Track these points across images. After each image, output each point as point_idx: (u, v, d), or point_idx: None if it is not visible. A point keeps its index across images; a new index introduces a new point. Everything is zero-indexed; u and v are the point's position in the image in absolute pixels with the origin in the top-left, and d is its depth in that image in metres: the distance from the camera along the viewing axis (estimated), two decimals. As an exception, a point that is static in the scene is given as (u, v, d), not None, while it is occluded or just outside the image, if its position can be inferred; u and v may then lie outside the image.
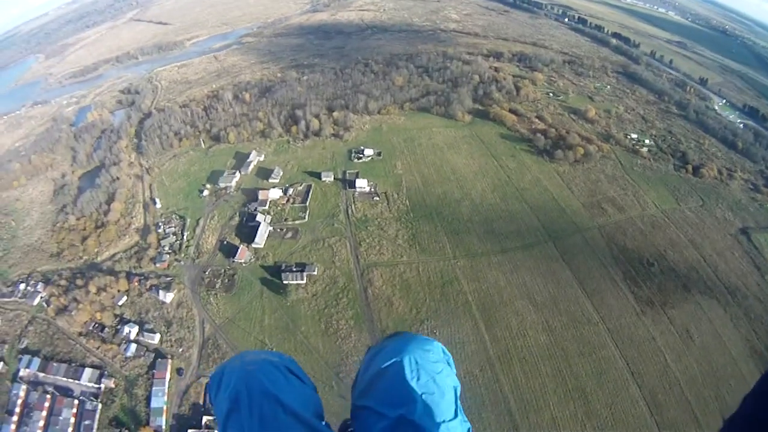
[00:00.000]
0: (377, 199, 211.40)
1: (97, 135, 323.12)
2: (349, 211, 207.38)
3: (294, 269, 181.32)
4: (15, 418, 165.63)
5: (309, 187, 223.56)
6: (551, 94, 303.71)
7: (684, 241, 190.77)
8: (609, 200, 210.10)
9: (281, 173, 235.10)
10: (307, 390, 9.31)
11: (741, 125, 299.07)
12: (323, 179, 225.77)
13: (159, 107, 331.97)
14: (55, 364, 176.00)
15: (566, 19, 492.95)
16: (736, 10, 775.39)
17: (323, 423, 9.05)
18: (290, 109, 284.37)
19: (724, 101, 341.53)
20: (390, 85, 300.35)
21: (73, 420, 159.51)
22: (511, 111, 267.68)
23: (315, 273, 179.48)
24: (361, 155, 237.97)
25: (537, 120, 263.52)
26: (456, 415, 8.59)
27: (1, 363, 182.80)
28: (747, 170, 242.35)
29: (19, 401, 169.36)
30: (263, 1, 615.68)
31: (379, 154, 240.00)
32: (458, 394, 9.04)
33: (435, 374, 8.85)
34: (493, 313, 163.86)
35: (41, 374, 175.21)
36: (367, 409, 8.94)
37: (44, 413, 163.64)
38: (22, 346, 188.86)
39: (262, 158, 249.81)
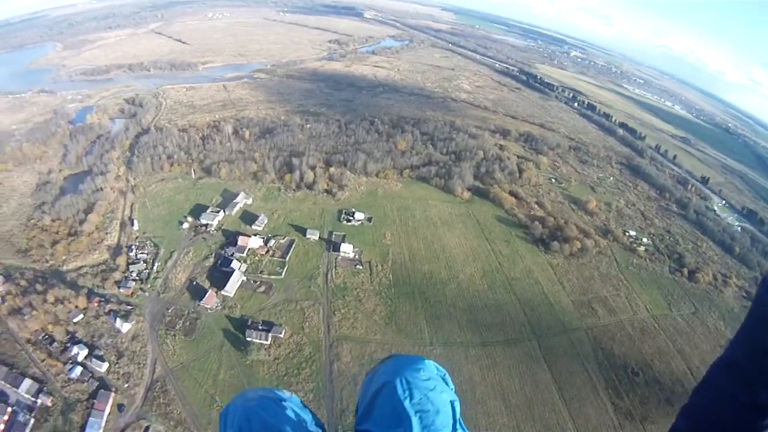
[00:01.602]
0: (360, 267, 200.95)
1: (92, 139, 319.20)
2: (329, 276, 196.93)
3: (260, 327, 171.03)
4: None
5: (292, 242, 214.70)
6: (554, 180, 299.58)
7: (672, 350, 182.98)
8: (600, 300, 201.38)
9: (266, 221, 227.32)
10: (309, 425, 9.11)
11: (739, 228, 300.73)
12: (308, 236, 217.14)
13: (158, 125, 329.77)
14: None
15: (576, 104, 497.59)
16: (740, 108, 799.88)
17: None
18: (287, 155, 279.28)
19: (724, 202, 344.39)
20: (392, 149, 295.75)
21: (1, 427, 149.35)
22: (511, 193, 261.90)
23: (281, 335, 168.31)
24: (351, 218, 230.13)
25: (536, 206, 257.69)
26: (455, 429, 8.70)
27: None
28: (742, 277, 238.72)
29: None
30: (283, 39, 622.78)
31: (369, 219, 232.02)
32: (456, 408, 9.04)
33: (428, 391, 8.83)
34: (462, 411, 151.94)
35: None
36: None
37: None
38: None
39: (249, 201, 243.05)
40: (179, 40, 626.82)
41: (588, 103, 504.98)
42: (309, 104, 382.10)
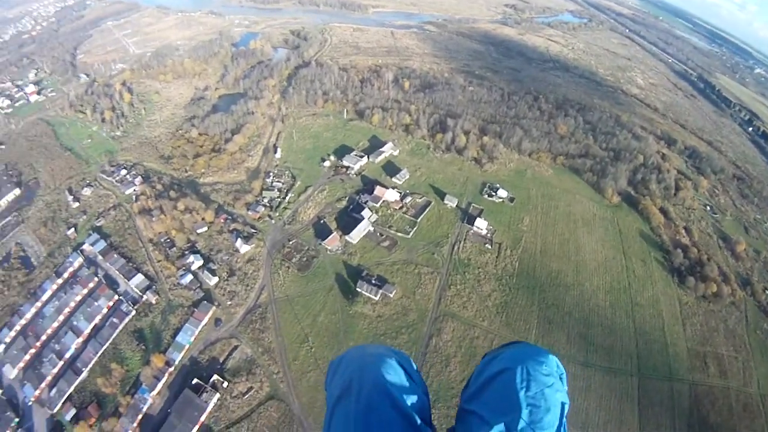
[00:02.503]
0: (489, 247, 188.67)
1: (252, 64, 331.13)
2: (456, 248, 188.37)
3: (373, 281, 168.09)
4: (60, 281, 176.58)
5: (428, 203, 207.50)
6: (708, 208, 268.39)
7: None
8: (716, 357, 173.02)
9: (407, 176, 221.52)
10: (417, 390, 9.05)
11: None
12: (445, 202, 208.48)
13: (320, 61, 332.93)
14: (116, 255, 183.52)
15: (750, 128, 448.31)
16: None
17: (428, 426, 8.94)
18: (443, 114, 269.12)
19: None
20: (551, 131, 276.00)
21: (104, 311, 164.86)
22: (661, 210, 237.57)
23: (391, 295, 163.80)
24: (494, 193, 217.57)
25: (683, 231, 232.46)
26: (559, 431, 8.26)
27: (73, 230, 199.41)
28: None
29: (71, 269, 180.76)
30: None
31: (512, 199, 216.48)
32: (566, 411, 8.56)
33: (545, 387, 8.51)
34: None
35: (100, 257, 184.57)
36: (473, 414, 8.76)
37: (85, 291, 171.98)
38: (98, 224, 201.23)
39: (395, 153, 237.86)
40: None
41: (764, 130, 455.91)
42: (475, 66, 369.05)
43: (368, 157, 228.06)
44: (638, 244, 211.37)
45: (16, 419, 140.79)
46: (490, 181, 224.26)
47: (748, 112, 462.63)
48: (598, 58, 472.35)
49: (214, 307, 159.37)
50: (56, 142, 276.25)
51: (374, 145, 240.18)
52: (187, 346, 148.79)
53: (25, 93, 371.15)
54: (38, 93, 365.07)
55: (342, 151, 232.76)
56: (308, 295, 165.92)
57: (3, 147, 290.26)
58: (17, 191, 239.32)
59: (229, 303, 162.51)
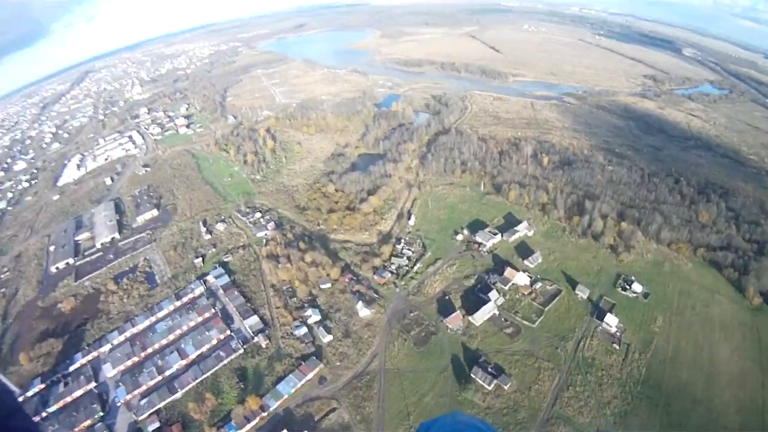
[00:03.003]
0: (617, 347, 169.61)
1: (393, 126, 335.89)
2: (581, 344, 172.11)
3: (489, 369, 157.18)
4: (178, 303, 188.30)
5: (558, 292, 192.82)
6: None
7: None
8: None
9: (539, 260, 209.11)
10: None
11: None
12: (576, 292, 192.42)
13: (459, 129, 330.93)
14: (236, 292, 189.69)
15: None
16: None
17: None
18: (581, 195, 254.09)
19: None
20: (692, 218, 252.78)
21: (214, 342, 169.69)
22: None
23: (506, 387, 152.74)
24: (628, 287, 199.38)
25: None
26: None
27: (201, 259, 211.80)
28: None
29: (191, 295, 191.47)
30: (597, 65, 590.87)
31: (646, 295, 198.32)
32: None
33: None
34: None
35: (221, 291, 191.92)
36: None
37: (199, 319, 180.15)
38: (225, 259, 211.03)
39: (530, 234, 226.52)
40: (492, 48, 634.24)
41: None
42: (615, 143, 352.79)
43: (502, 235, 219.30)
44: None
45: (101, 413, 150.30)
46: (625, 273, 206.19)
47: None
48: (741, 135, 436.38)
49: (321, 365, 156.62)
50: (198, 174, 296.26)
51: (509, 223, 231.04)
52: (285, 396, 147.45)
53: (175, 124, 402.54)
54: (187, 126, 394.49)
55: (476, 226, 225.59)
56: (419, 372, 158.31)
57: (149, 169, 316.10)
58: (155, 212, 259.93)
59: (338, 363, 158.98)
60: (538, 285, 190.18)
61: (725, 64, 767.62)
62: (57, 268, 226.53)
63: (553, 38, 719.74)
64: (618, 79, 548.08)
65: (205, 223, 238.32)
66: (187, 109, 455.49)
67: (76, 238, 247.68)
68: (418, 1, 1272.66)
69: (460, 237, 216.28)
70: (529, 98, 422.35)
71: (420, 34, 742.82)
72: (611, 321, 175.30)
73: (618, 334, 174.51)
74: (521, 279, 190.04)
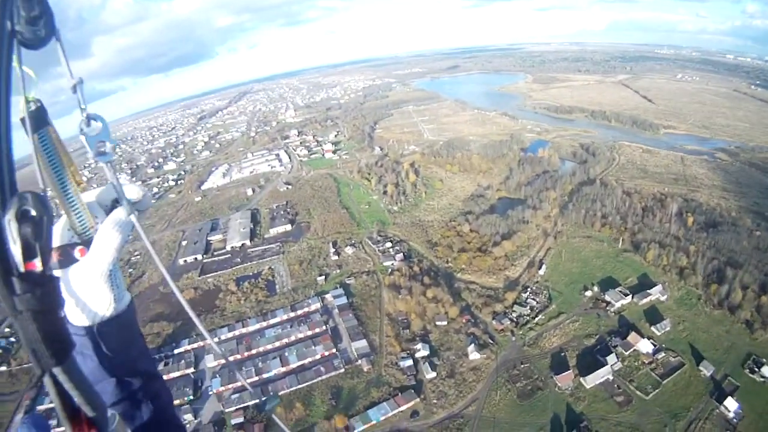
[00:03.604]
0: None
1: (538, 172, 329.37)
2: (693, 427, 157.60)
3: None
4: (292, 314, 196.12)
5: (681, 365, 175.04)
6: None
7: None
8: None
9: (668, 328, 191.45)
10: None
11: None
12: (700, 368, 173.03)
13: (604, 180, 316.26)
14: (351, 314, 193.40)
15: None
16: None
17: None
18: (723, 262, 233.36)
19: None
20: None
21: (317, 357, 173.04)
22: None
23: None
24: (757, 369, 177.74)
25: None
26: None
27: (324, 278, 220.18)
28: None
29: (306, 309, 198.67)
30: (752, 117, 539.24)
31: None
32: None
33: None
34: None
35: (336, 310, 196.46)
36: None
37: (309, 333, 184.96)
38: (347, 282, 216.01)
39: (663, 299, 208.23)
40: (645, 97, 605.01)
41: None
42: (765, 205, 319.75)
43: (633, 297, 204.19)
44: None
45: (192, 397, 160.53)
46: (757, 354, 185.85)
47: None
48: None
49: (417, 399, 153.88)
50: (337, 198, 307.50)
51: (642, 284, 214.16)
52: (373, 422, 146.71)
53: (322, 149, 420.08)
54: (334, 152, 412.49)
55: (607, 284, 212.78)
56: (516, 426, 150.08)
57: (290, 187, 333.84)
58: (288, 227, 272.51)
59: (435, 401, 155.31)
60: (661, 355, 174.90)
61: None
62: (185, 260, 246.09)
63: (707, 88, 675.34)
64: None
65: (335, 244, 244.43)
66: (335, 136, 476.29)
67: (209, 238, 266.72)
68: (571, 48, 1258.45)
69: (588, 293, 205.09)
70: (680, 152, 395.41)
71: (571, 81, 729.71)
72: (730, 405, 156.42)
73: (735, 420, 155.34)
74: (644, 346, 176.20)
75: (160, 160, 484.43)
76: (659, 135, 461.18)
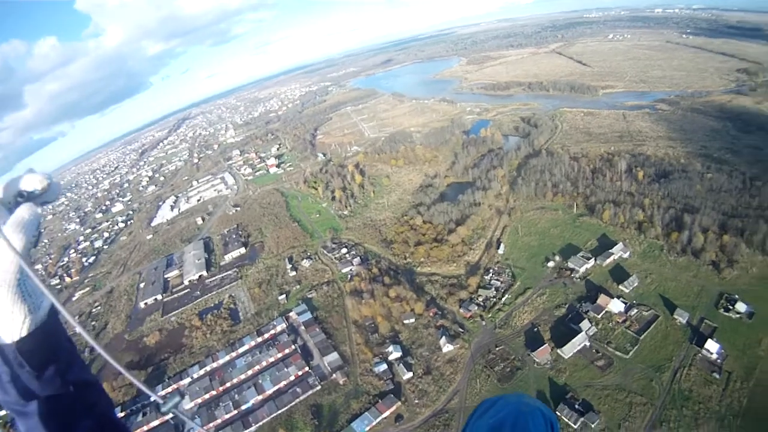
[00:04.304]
0: (717, 376, 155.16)
1: (483, 152, 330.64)
2: (678, 375, 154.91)
3: (576, 406, 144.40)
4: (259, 339, 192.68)
5: (655, 318, 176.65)
6: None
7: None
8: None
9: (636, 284, 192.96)
10: None
11: None
12: (675, 316, 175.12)
13: (550, 149, 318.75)
14: (318, 329, 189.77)
15: None
16: None
17: None
18: (680, 209, 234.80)
19: None
20: None
21: (292, 379, 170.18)
22: None
23: (593, 425, 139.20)
24: (731, 307, 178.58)
25: None
26: None
27: (285, 296, 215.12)
28: None
29: (272, 331, 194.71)
30: (687, 66, 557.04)
31: (750, 315, 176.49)
32: None
33: None
34: None
35: (302, 327, 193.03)
36: None
37: (279, 355, 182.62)
38: (309, 296, 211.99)
39: (625, 256, 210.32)
40: (579, 62, 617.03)
41: None
42: (712, 147, 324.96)
43: (595, 260, 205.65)
44: None
45: None
46: (728, 292, 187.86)
47: None
48: None
49: (399, 403, 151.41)
50: (286, 212, 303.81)
51: (603, 245, 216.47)
52: None
53: (266, 164, 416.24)
54: (277, 166, 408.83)
55: (568, 251, 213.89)
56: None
57: (239, 209, 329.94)
58: (243, 250, 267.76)
59: (416, 401, 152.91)
60: (634, 311, 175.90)
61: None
62: (146, 303, 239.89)
63: (640, 44, 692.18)
64: (710, 77, 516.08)
65: (291, 260, 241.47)
66: (278, 149, 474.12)
67: (166, 276, 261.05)
68: (502, 25, 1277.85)
69: (551, 264, 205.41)
70: (621, 109, 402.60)
71: (505, 57, 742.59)
72: (712, 347, 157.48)
73: (719, 361, 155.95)
74: (615, 306, 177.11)
75: (107, 203, 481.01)
76: (598, 96, 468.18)
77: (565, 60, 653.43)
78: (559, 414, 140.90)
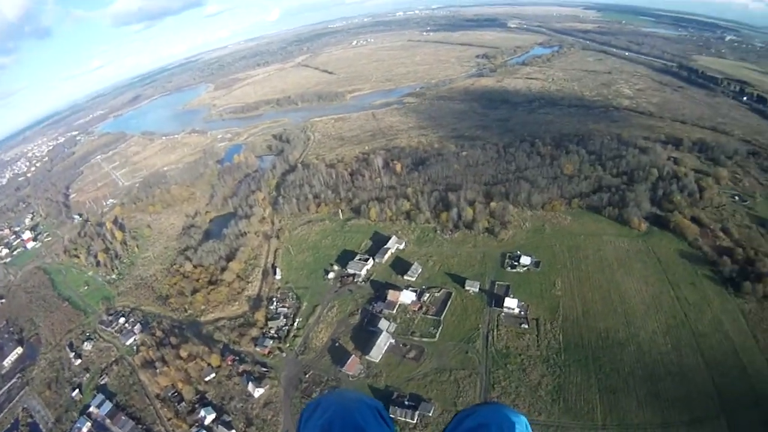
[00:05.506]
0: (526, 326, 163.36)
1: (240, 178, 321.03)
2: (490, 338, 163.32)
3: (406, 403, 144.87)
4: None
5: (448, 295, 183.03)
6: (736, 198, 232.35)
7: None
8: None
9: (419, 270, 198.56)
10: None
11: None
12: (467, 288, 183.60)
13: (305, 162, 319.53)
14: (123, 417, 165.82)
15: (744, 98, 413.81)
16: None
17: None
18: (443, 190, 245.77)
19: None
20: (558, 174, 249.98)
21: None
22: (692, 219, 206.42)
23: (430, 414, 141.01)
24: (516, 263, 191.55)
25: (722, 234, 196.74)
26: None
27: (78, 390, 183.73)
28: None
29: None
30: (430, 59, 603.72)
31: (537, 264, 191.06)
32: None
33: None
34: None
35: (108, 420, 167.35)
36: None
37: None
38: (102, 382, 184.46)
39: (401, 246, 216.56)
40: (326, 71, 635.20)
41: (758, 95, 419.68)
42: (463, 127, 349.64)
43: (374, 259, 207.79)
44: (682, 266, 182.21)
45: None
46: (510, 250, 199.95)
47: (736, 83, 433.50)
48: (581, 82, 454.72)
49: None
50: (54, 292, 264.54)
51: (377, 243, 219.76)
52: None
53: (22, 240, 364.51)
54: (34, 239, 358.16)
55: (345, 258, 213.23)
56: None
57: (3, 301, 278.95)
58: (20, 350, 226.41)
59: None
60: (426, 296, 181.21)
61: (550, 24, 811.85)
62: None
63: (383, 46, 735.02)
64: (452, 67, 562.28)
65: (71, 346, 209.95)
66: (32, 218, 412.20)
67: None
68: (249, 45, 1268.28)
69: (331, 275, 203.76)
70: (370, 110, 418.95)
71: (253, 77, 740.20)
72: (511, 303, 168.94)
73: (522, 313, 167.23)
74: (406, 297, 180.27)
75: None
76: (347, 101, 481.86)
77: (311, 71, 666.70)
78: (393, 416, 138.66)
